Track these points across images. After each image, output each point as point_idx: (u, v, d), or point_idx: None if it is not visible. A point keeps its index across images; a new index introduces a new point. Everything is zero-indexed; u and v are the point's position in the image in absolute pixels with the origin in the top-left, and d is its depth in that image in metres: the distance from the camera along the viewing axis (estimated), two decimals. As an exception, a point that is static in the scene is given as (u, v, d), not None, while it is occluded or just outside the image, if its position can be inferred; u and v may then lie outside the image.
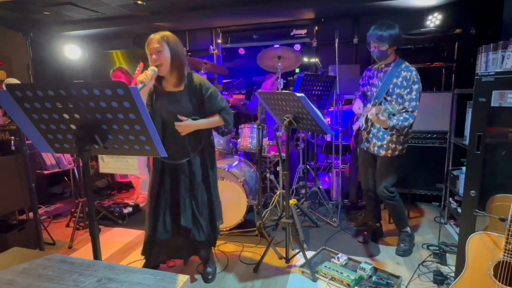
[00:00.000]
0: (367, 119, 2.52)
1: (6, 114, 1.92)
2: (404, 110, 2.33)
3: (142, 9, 3.95)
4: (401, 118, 2.30)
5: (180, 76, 1.98)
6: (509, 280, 1.48)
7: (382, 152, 2.49)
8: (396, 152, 2.47)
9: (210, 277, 2.28)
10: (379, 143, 2.50)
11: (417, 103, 2.32)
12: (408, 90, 2.32)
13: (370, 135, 2.56)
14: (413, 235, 2.73)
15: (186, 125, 1.97)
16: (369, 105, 2.53)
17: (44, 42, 4.81)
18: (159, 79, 2.00)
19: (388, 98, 2.42)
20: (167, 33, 1.94)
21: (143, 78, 1.77)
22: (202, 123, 2.02)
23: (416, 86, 2.31)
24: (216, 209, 2.23)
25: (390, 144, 2.46)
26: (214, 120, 2.04)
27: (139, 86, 1.71)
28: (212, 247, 2.34)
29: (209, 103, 2.02)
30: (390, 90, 2.41)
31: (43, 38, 4.76)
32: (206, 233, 2.18)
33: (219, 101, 2.05)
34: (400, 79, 2.36)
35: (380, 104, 2.42)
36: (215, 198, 2.24)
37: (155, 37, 1.89)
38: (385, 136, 2.47)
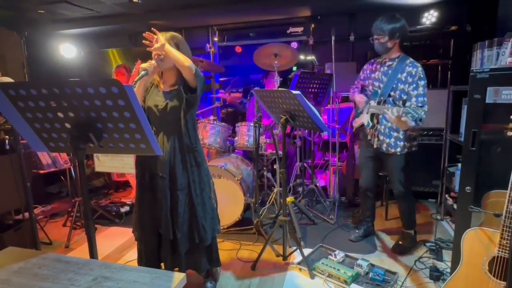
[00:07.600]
0: (372, 116, 2.47)
1: (0, 113, 1.91)
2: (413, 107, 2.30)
3: (137, 7, 3.92)
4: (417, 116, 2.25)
5: (181, 77, 1.91)
6: (504, 275, 1.49)
7: (391, 150, 2.44)
8: (405, 150, 2.43)
9: None
10: (387, 140, 2.45)
11: (425, 98, 2.31)
12: (414, 85, 2.31)
13: (377, 132, 2.51)
14: (415, 238, 2.66)
15: (164, 44, 1.71)
16: (372, 102, 2.47)
17: (39, 40, 4.76)
18: (160, 75, 1.94)
19: (392, 94, 2.40)
20: (176, 34, 1.90)
21: (147, 66, 1.70)
22: (177, 54, 1.74)
23: (422, 82, 2.31)
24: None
25: (398, 142, 2.42)
26: (191, 64, 1.75)
27: (142, 73, 1.65)
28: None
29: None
30: (394, 86, 2.38)
31: (38, 36, 4.72)
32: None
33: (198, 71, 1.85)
34: (405, 74, 2.35)
35: (385, 101, 2.40)
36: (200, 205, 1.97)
37: (164, 35, 1.82)
38: (392, 132, 2.43)
